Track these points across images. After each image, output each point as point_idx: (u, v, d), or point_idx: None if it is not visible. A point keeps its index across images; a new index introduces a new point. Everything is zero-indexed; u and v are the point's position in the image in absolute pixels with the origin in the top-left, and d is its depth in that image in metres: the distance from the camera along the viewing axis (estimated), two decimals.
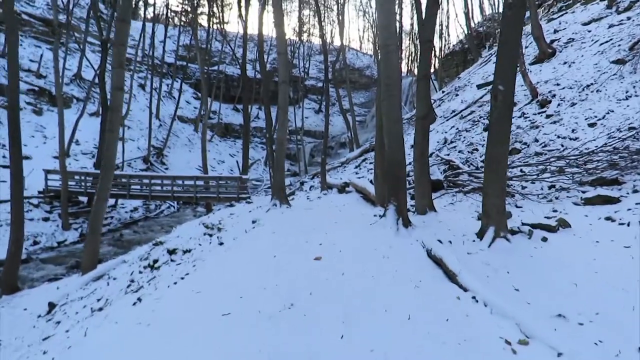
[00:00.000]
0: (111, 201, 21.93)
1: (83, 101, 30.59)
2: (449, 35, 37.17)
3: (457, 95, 23.71)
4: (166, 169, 31.31)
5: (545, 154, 12.87)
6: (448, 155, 15.96)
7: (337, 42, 48.81)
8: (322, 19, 45.33)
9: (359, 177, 18.70)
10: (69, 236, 18.20)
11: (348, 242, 5.86)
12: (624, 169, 9.59)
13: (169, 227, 21.01)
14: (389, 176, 6.91)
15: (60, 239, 17.88)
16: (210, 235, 8.24)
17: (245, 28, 27.74)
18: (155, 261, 7.66)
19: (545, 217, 7.77)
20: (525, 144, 14.19)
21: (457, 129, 19.16)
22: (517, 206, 9.23)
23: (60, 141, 18.43)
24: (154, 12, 42.32)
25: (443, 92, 26.02)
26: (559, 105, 15.50)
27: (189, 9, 43.47)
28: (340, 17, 36.38)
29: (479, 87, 22.29)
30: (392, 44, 6.83)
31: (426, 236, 6.10)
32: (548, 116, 15.18)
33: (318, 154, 39.17)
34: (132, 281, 7.14)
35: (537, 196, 9.82)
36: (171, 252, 7.77)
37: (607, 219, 7.30)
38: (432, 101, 22.67)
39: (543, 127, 14.59)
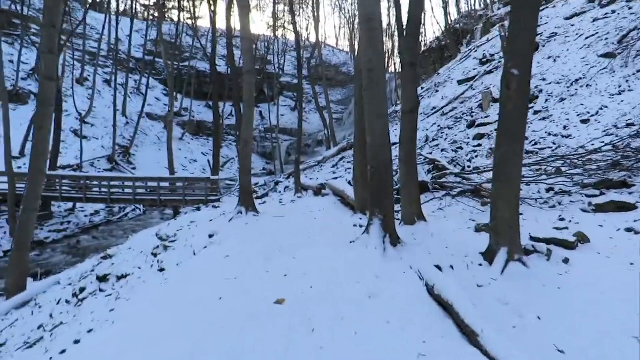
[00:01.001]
0: (69, 204, 20.07)
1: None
2: (425, 31, 36.24)
3: (437, 91, 22.62)
4: (133, 168, 29.37)
5: (537, 153, 11.78)
6: (431, 154, 14.75)
7: (312, 39, 47.37)
8: (297, 14, 43.87)
9: (337, 178, 17.38)
10: None
11: (322, 272, 4.48)
12: (632, 170, 8.49)
13: (132, 232, 19.33)
14: (372, 181, 5.57)
15: (7, 247, 15.99)
16: (155, 256, 6.76)
17: (213, 21, 26.14)
18: (82, 290, 6.16)
19: (554, 228, 6.55)
20: None
21: (439, 126, 18.02)
22: None
23: (6, 139, 16.53)
24: (117, 5, 40.07)
25: (422, 88, 24.91)
26: (547, 100, 14.47)
27: (158, 2, 41.45)
28: (315, 12, 35.02)
29: (460, 83, 21.21)
30: (375, 18, 5.48)
31: (421, 259, 4.80)
32: (536, 112, 14.13)
33: (294, 152, 37.73)
34: (40, 327, 5.62)
35: (537, 201, 8.64)
36: (101, 278, 6.27)
37: (629, 230, 6.12)
38: None
39: (532, 124, 13.50)
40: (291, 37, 51.49)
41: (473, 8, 40.52)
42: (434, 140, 16.94)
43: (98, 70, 36.09)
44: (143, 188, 17.52)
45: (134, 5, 39.91)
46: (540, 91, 15.11)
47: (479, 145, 14.22)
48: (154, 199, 16.98)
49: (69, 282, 7.69)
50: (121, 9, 46.28)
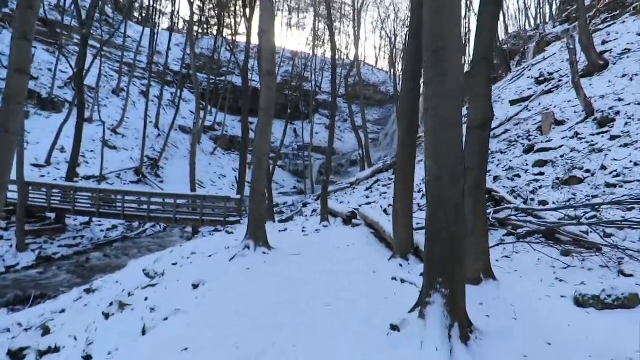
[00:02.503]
0: (85, 217, 18.67)
1: (76, 106, 27.64)
2: (468, 51, 33.81)
3: None
4: (161, 182, 28.13)
5: (622, 186, 9.31)
6: None
7: (352, 57, 45.74)
8: (337, 31, 42.39)
9: (370, 204, 15.23)
10: (22, 259, 14.92)
11: None
12: None
13: (148, 251, 17.69)
14: (434, 233, 3.44)
15: (10, 263, 14.63)
16: (107, 317, 4.82)
17: (248, 34, 24.73)
18: None
19: None
20: (587, 171, 10.61)
21: (490, 150, 15.57)
22: (623, 273, 5.63)
23: (19, 146, 15.30)
24: (158, 17, 39.77)
25: (467, 108, 22.58)
26: (626, 124, 11.94)
27: (202, 19, 40.96)
28: (356, 30, 33.33)
29: (513, 103, 18.80)
30: None
31: None
32: (613, 137, 11.62)
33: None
34: None
35: None
36: (15, 355, 4.35)
37: None
38: None
39: (609, 151, 11.00)
40: (329, 55, 50.16)
41: (522, 28, 37.91)
42: None
43: (135, 81, 35.57)
44: (159, 204, 15.89)
45: (173, 19, 39.50)
46: (617, 113, 12.58)
47: (541, 173, 11.79)
48: (169, 217, 15.29)
49: None
50: (163, 23, 46.28)
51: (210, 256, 7.18)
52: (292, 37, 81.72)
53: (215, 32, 38.97)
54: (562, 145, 12.77)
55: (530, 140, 14.40)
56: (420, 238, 6.78)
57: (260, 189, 7.31)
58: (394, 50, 44.87)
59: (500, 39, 40.69)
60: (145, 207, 15.50)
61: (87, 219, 18.50)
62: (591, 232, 7.22)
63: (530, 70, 21.70)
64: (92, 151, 25.87)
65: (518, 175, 12.24)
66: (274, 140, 41.89)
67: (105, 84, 31.90)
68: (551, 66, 20.00)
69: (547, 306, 4.40)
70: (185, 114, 37.21)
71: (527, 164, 12.77)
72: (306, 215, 16.31)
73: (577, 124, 13.50)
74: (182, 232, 20.60)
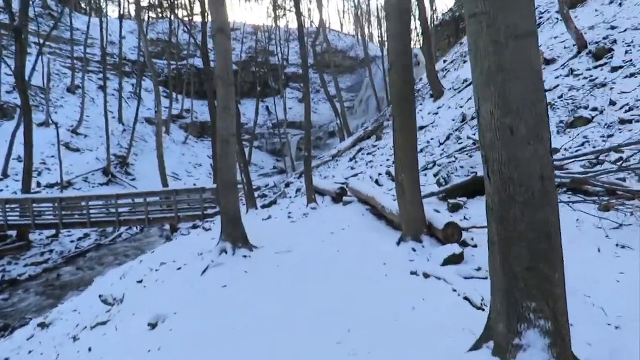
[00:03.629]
0: (51, 230, 16.93)
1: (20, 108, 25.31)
2: (435, 5, 32.33)
3: (464, 62, 18.90)
4: (132, 179, 26.28)
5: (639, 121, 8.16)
6: (474, 135, 11.13)
7: (316, 23, 43.54)
8: None
9: (357, 175, 13.93)
10: None
11: None
12: None
13: (125, 258, 16.15)
14: (508, 224, 2.10)
15: None
16: None
17: (203, 12, 22.65)
18: None
19: None
20: (595, 109, 9.43)
21: None
22: None
23: None
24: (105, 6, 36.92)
25: (444, 61, 21.23)
26: (627, 52, 10.74)
27: (154, 1, 38.17)
28: None
29: None
30: None
31: None
32: (614, 69, 10.43)
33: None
34: None
35: None
36: None
37: None
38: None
39: (614, 84, 9.83)
40: (293, 25, 47.79)
41: None
42: (473, 118, 13.33)
43: (91, 76, 33.07)
44: (129, 206, 14.28)
45: (122, 5, 36.68)
46: (614, 42, 11.37)
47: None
48: (141, 219, 13.74)
49: None
50: (113, 12, 43.16)
51: (179, 268, 5.79)
52: (252, 10, 78.16)
53: (169, 15, 36.33)
54: (558, 85, 11.56)
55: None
56: (432, 213, 5.49)
57: (230, 178, 5.88)
58: (360, 11, 42.84)
59: None
60: (113, 210, 13.89)
61: (53, 231, 16.77)
62: (628, 177, 6.04)
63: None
64: (52, 156, 23.78)
65: None
66: (246, 120, 39.98)
67: (58, 83, 29.47)
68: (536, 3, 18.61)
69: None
70: (150, 105, 34.84)
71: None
72: (290, 197, 14.94)
73: (570, 59, 12.29)
74: (160, 231, 19.01)
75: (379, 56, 39.87)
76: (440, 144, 13.16)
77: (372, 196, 7.82)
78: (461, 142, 12.05)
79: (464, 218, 6.37)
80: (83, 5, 44.40)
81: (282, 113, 36.90)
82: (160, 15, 41.60)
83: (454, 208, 7.02)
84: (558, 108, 10.55)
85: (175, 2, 35.94)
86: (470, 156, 9.54)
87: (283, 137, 35.11)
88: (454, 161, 9.33)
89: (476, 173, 7.44)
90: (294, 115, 40.06)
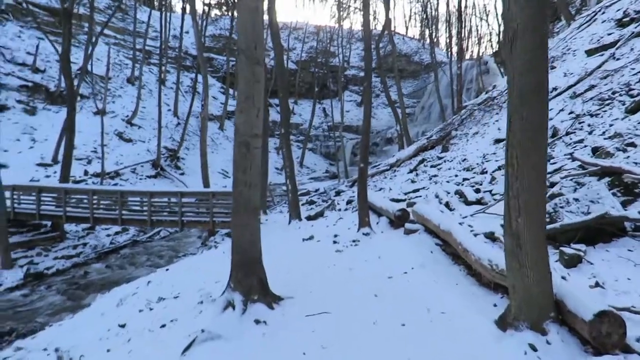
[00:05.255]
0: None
1: (87, 98, 25.17)
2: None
3: (552, 68, 16.09)
4: (182, 174, 25.44)
5: None
6: (572, 154, 8.63)
7: (380, 25, 41.38)
8: None
9: (419, 191, 11.75)
10: (7, 278, 12.38)
11: None
12: None
13: (159, 259, 14.89)
14: None
15: None
16: None
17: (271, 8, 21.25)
18: None
19: None
20: None
21: (574, 112, 11.72)
22: None
23: None
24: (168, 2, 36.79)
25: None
26: None
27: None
28: None
29: (590, 53, 14.64)
30: None
31: None
32: None
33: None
34: None
35: None
36: None
37: None
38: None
39: None
40: (357, 26, 45.89)
41: None
42: (569, 134, 10.75)
43: (152, 69, 32.87)
44: (164, 205, 12.91)
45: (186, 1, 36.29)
46: None
47: None
48: (174, 220, 12.30)
49: None
50: (177, 7, 43.25)
51: (163, 326, 4.01)
52: (315, 11, 76.65)
53: (230, 11, 35.64)
54: None
55: (634, 96, 10.42)
56: (563, 285, 3.33)
57: (249, 199, 3.90)
58: (427, 15, 40.14)
59: None
60: (147, 209, 12.57)
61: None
62: None
63: (603, 13, 17.27)
64: (105, 145, 23.28)
65: (633, 145, 8.42)
66: (302, 121, 38.58)
67: (118, 73, 29.31)
68: (636, 3, 15.56)
69: None
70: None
71: None
72: (340, 209, 12.99)
73: None
74: (200, 231, 17.72)
75: (446, 62, 37.10)
76: None
77: (447, 231, 5.70)
78: (554, 163, 9.57)
79: (597, 285, 4.13)
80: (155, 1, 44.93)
81: (339, 116, 35.05)
82: (227, 11, 41.17)
83: (571, 262, 4.77)
84: None
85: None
86: (579, 184, 7.13)
87: (338, 141, 33.23)
88: (560, 191, 6.97)
89: (606, 212, 5.12)
90: (351, 119, 38.15)
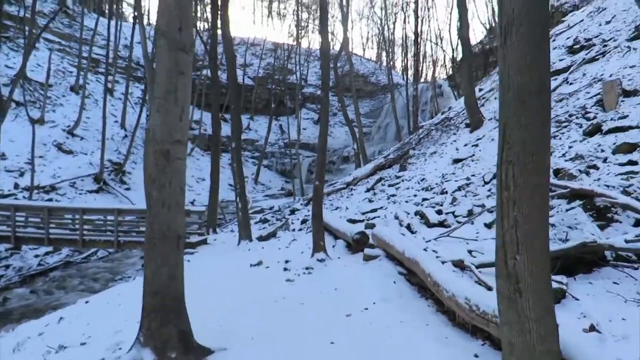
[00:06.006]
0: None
1: (23, 105, 23.04)
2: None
3: None
4: (127, 189, 23.68)
5: None
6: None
7: (338, 45, 41.42)
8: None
9: (377, 210, 11.12)
10: None
11: None
12: None
13: (93, 282, 13.35)
14: None
15: None
16: None
17: (214, 21, 20.41)
18: None
19: None
20: None
21: None
22: None
23: None
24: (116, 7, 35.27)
25: (480, 90, 18.56)
26: None
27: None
28: (344, 9, 28.77)
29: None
30: None
31: None
32: None
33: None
34: None
35: None
36: None
37: None
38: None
39: None
40: (315, 45, 45.81)
41: None
42: None
43: (100, 78, 30.96)
44: (99, 223, 11.51)
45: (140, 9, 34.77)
46: None
47: (632, 162, 7.69)
48: (110, 240, 10.97)
49: None
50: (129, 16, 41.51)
51: None
52: (274, 28, 76.08)
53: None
54: None
55: (590, 119, 10.33)
56: (573, 341, 2.61)
57: (168, 224, 2.92)
58: (383, 37, 40.65)
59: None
60: (78, 227, 11.15)
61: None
62: None
63: (554, 40, 17.68)
64: (41, 157, 21.30)
65: (595, 167, 8.15)
66: (258, 137, 37.56)
67: (61, 80, 27.31)
68: (585, 32, 15.99)
69: None
70: None
71: (601, 150, 8.70)
72: (293, 229, 12.11)
73: None
74: (142, 252, 16.18)
75: (402, 84, 37.48)
76: (486, 182, 10.31)
77: (413, 259, 4.97)
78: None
79: (592, 328, 3.48)
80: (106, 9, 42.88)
81: (295, 133, 34.37)
82: None
83: (554, 298, 4.12)
84: None
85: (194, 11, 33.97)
86: (553, 207, 6.66)
87: (294, 158, 32.45)
88: None
89: (594, 240, 4.56)
90: (307, 136, 37.57)
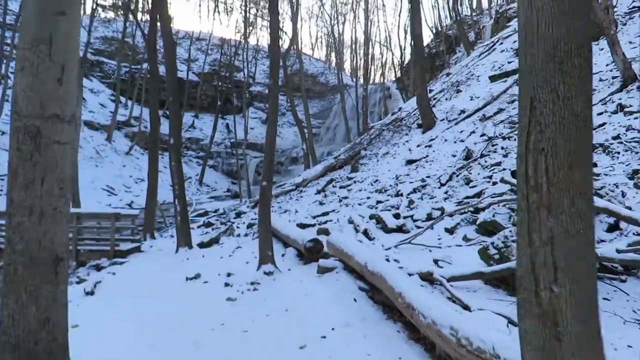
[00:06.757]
0: None
1: None
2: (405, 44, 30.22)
3: (458, 91, 16.00)
4: None
5: None
6: (501, 178, 7.80)
7: (287, 41, 40.48)
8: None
9: (330, 215, 10.34)
10: None
11: None
12: None
13: None
14: None
15: None
16: None
17: (153, 14, 18.93)
18: None
19: None
20: None
21: (486, 135, 11.25)
22: None
23: None
24: None
25: (431, 91, 18.37)
26: None
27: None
28: (294, 6, 27.89)
29: (493, 79, 14.71)
30: None
31: None
32: None
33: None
34: None
35: None
36: None
37: None
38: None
39: None
40: (263, 42, 44.60)
41: (461, 15, 34.63)
42: (484, 156, 10.16)
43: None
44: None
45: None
46: None
47: (595, 165, 7.39)
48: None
49: None
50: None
51: None
52: (220, 22, 73.42)
53: (124, 14, 32.18)
54: (605, 124, 8.64)
55: None
56: None
57: (39, 238, 1.84)
58: (333, 39, 40.25)
59: (444, 25, 37.41)
60: None
61: None
62: None
63: (501, 44, 17.82)
64: None
65: None
66: (203, 136, 35.79)
67: None
68: None
69: None
70: (94, 107, 30.25)
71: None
72: (239, 235, 11.07)
73: (613, 93, 9.45)
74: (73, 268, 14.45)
75: (351, 85, 37.21)
76: (442, 184, 9.83)
77: (377, 273, 4.19)
78: (475, 186, 8.77)
79: None
80: None
81: (242, 132, 33.01)
82: (119, 14, 37.40)
83: None
84: (618, 153, 7.52)
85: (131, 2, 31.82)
86: (514, 210, 6.16)
87: (241, 159, 31.13)
88: (493, 219, 5.91)
89: None
90: (255, 136, 36.26)
